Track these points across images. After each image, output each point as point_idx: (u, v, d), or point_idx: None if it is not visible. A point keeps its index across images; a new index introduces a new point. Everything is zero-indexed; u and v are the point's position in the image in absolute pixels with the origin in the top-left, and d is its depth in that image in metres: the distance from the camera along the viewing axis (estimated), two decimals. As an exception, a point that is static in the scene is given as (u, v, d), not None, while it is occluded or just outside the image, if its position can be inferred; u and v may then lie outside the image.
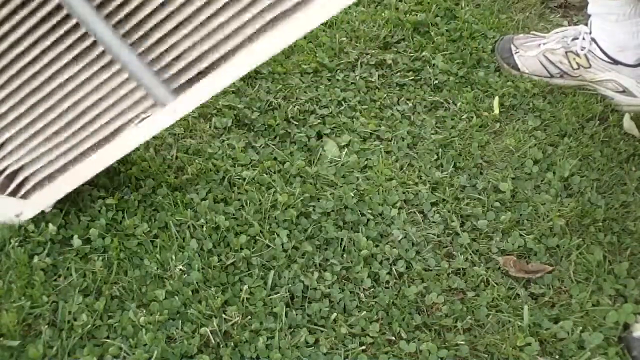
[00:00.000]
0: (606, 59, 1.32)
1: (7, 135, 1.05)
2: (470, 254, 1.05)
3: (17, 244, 1.06)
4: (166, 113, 1.02)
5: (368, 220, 1.09)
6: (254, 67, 0.98)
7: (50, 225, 1.07)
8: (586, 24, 1.36)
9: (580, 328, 0.92)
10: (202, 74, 1.00)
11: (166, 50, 0.99)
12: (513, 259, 1.03)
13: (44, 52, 0.98)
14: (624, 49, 1.29)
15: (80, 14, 0.94)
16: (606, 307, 0.95)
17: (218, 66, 0.99)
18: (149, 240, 1.08)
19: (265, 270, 1.03)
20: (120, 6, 0.94)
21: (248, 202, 1.11)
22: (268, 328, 0.95)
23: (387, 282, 1.01)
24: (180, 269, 1.03)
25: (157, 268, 1.04)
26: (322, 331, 0.95)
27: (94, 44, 0.97)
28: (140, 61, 0.98)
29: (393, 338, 0.94)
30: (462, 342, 0.92)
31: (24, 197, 1.08)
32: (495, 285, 1.00)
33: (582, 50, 1.33)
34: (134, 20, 0.95)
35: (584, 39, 1.33)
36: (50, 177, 1.08)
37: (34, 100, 1.02)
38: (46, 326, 0.95)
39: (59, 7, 0.93)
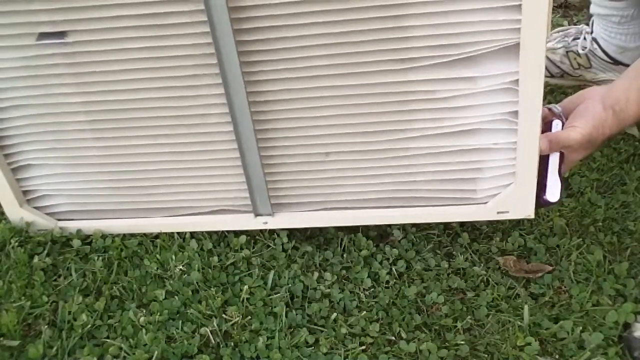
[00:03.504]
0: (607, 59, 1.32)
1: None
2: (470, 254, 1.04)
3: (17, 244, 1.06)
4: (257, 220, 1.05)
5: (368, 220, 1.09)
6: (351, 224, 1.05)
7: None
8: (587, 24, 1.35)
9: (580, 328, 0.92)
10: (307, 209, 1.05)
11: (287, 180, 1.02)
12: (513, 259, 1.03)
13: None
14: (625, 50, 1.29)
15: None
16: (606, 307, 0.95)
17: (324, 209, 1.04)
18: (149, 240, 1.08)
19: (265, 270, 1.03)
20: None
21: (248, 202, 1.11)
22: (268, 328, 0.95)
23: (387, 282, 1.01)
24: (180, 269, 1.03)
25: (157, 268, 1.04)
26: (322, 331, 0.95)
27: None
28: (261, 166, 0.99)
29: (393, 338, 0.93)
30: (462, 342, 0.92)
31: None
32: (495, 285, 1.00)
33: (583, 50, 1.33)
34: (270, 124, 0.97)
35: (585, 38, 1.33)
36: (108, 213, 1.10)
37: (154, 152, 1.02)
38: (46, 326, 0.95)
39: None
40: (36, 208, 1.08)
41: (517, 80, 0.88)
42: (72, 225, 1.09)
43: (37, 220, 1.08)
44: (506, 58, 0.87)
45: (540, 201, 0.96)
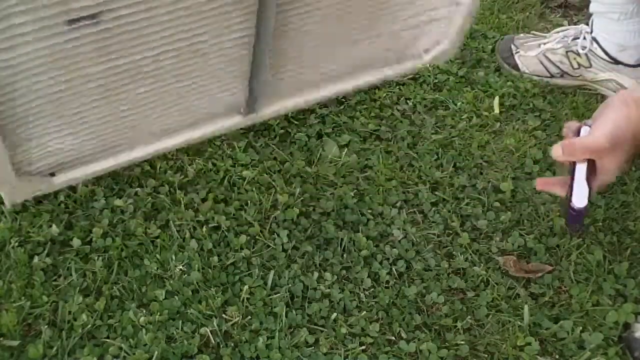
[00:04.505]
0: (607, 58, 1.32)
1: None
2: (470, 254, 1.04)
3: (17, 244, 1.05)
4: (249, 118, 1.13)
5: (368, 220, 1.09)
6: (334, 95, 1.18)
7: (54, 226, 1.07)
8: (586, 24, 1.36)
9: (580, 328, 0.93)
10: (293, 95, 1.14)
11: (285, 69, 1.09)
12: (513, 259, 1.03)
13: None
14: (625, 49, 1.29)
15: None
16: (606, 307, 0.95)
17: (311, 89, 1.15)
18: (150, 240, 1.08)
19: (265, 270, 1.03)
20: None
21: (248, 202, 1.11)
22: (268, 328, 0.95)
23: (387, 282, 1.01)
24: (180, 269, 1.03)
25: (157, 268, 1.04)
26: (322, 331, 0.95)
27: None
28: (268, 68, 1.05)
29: (393, 338, 0.94)
30: (462, 342, 0.92)
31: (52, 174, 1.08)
32: (495, 285, 1.00)
33: (582, 49, 1.33)
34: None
35: (584, 38, 1.33)
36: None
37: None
38: (46, 326, 0.95)
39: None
40: (28, 173, 1.05)
41: None
42: (69, 177, 1.07)
43: (33, 183, 1.05)
44: None
45: (569, 211, 0.87)
